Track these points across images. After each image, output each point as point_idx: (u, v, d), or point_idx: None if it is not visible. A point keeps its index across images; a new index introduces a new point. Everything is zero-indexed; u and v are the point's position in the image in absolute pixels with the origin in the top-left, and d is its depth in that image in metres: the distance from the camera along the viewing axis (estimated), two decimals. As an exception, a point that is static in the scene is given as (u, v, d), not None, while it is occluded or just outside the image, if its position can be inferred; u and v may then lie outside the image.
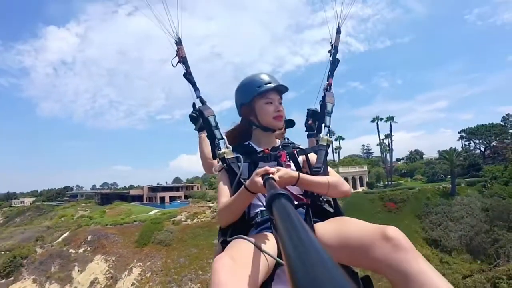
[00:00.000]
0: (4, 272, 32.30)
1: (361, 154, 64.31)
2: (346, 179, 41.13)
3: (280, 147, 1.87)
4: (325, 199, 1.78)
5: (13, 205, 77.23)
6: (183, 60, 2.20)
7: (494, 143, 42.56)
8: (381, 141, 41.98)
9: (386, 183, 38.65)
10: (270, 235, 1.48)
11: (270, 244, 1.40)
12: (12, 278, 31.82)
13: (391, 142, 41.93)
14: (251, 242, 1.33)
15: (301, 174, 1.55)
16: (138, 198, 58.50)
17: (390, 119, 42.12)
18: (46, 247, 35.82)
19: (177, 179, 76.18)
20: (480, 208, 26.89)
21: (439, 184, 33.99)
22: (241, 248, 1.29)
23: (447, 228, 26.47)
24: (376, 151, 52.95)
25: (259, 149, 1.84)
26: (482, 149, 45.21)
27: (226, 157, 1.77)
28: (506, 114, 49.55)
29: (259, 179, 1.36)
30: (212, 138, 2.00)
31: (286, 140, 2.05)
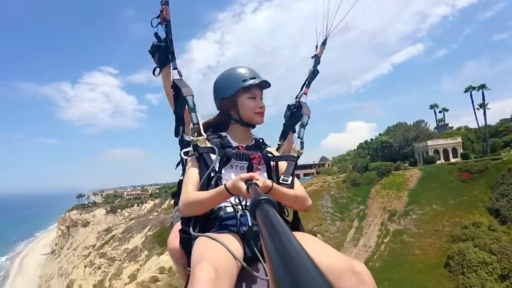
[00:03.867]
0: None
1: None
2: (436, 151, 40.59)
3: (254, 147, 1.84)
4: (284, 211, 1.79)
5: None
6: (166, 22, 2.03)
7: None
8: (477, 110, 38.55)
9: (481, 154, 36.18)
10: (236, 237, 1.47)
11: (238, 247, 1.39)
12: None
13: (485, 114, 38.10)
14: (224, 246, 1.32)
15: (274, 184, 1.52)
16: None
17: (482, 87, 38.09)
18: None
19: (323, 158, 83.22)
20: None
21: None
22: (218, 255, 1.26)
23: (509, 201, 25.22)
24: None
25: (234, 144, 1.79)
26: None
27: (199, 145, 1.69)
28: None
29: (243, 184, 1.35)
30: (179, 115, 2.01)
31: (261, 139, 1.92)
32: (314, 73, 2.31)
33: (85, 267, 45.13)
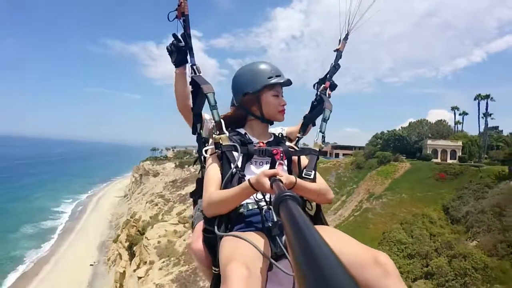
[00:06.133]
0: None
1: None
2: (435, 150, 44.32)
3: (275, 142, 1.85)
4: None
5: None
6: (184, 17, 1.95)
7: None
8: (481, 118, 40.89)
9: (477, 160, 39.24)
10: (261, 234, 1.49)
11: (265, 245, 1.41)
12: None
13: (486, 123, 40.21)
14: (252, 244, 1.34)
15: (298, 179, 1.53)
16: (324, 153, 74.74)
17: (486, 97, 39.93)
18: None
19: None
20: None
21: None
22: (247, 253, 1.27)
23: (463, 203, 29.19)
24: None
25: (254, 141, 1.79)
26: None
27: (222, 143, 1.68)
28: None
29: (267, 180, 1.34)
30: (197, 112, 1.95)
31: (280, 135, 1.95)
32: (335, 67, 2.23)
33: (146, 202, 54.96)
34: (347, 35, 2.27)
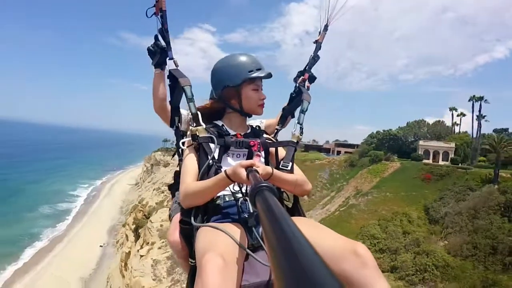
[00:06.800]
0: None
1: None
2: (427, 151, 45.42)
3: (252, 134, 1.86)
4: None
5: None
6: (162, 13, 1.96)
7: None
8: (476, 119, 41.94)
9: (469, 162, 40.13)
10: (238, 225, 1.50)
11: (242, 236, 1.42)
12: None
13: (479, 125, 41.27)
14: (228, 234, 1.35)
15: (274, 170, 1.54)
16: (327, 150, 71.58)
17: (480, 99, 41.05)
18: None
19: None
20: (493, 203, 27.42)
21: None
22: (223, 244, 1.29)
23: (443, 204, 30.08)
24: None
25: (231, 133, 1.80)
26: None
27: (198, 135, 1.71)
28: None
29: (243, 171, 1.37)
30: (175, 106, 1.96)
31: (257, 127, 1.97)
32: (314, 59, 2.25)
33: (153, 190, 57.59)
34: (326, 26, 2.28)
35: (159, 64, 2.01)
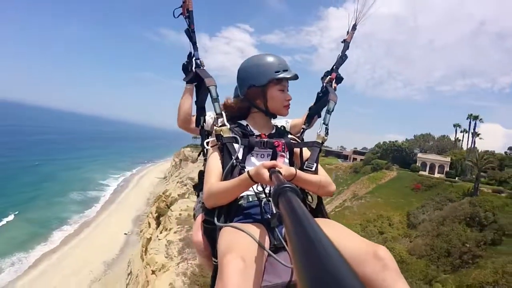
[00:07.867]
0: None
1: None
2: (424, 163, 48.30)
3: (277, 134, 1.86)
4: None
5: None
6: (188, 13, 2.02)
7: None
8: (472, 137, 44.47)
9: (462, 176, 41.37)
10: (260, 225, 1.49)
11: (263, 236, 1.41)
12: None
13: (473, 142, 43.72)
14: (250, 235, 1.34)
15: (298, 171, 1.53)
16: (345, 157, 72.96)
17: (475, 117, 43.54)
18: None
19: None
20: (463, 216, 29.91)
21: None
22: (245, 245, 1.28)
23: (423, 212, 33.26)
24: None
25: (256, 133, 1.80)
26: None
27: (223, 135, 1.71)
28: None
29: (266, 171, 1.35)
30: (200, 106, 2.02)
31: (282, 127, 1.97)
32: (342, 58, 2.25)
33: (177, 182, 61.01)
34: (354, 25, 2.26)
35: (192, 80, 2.09)
